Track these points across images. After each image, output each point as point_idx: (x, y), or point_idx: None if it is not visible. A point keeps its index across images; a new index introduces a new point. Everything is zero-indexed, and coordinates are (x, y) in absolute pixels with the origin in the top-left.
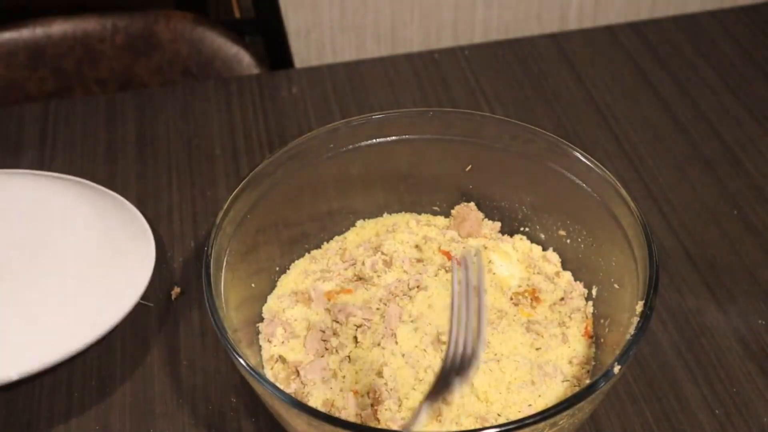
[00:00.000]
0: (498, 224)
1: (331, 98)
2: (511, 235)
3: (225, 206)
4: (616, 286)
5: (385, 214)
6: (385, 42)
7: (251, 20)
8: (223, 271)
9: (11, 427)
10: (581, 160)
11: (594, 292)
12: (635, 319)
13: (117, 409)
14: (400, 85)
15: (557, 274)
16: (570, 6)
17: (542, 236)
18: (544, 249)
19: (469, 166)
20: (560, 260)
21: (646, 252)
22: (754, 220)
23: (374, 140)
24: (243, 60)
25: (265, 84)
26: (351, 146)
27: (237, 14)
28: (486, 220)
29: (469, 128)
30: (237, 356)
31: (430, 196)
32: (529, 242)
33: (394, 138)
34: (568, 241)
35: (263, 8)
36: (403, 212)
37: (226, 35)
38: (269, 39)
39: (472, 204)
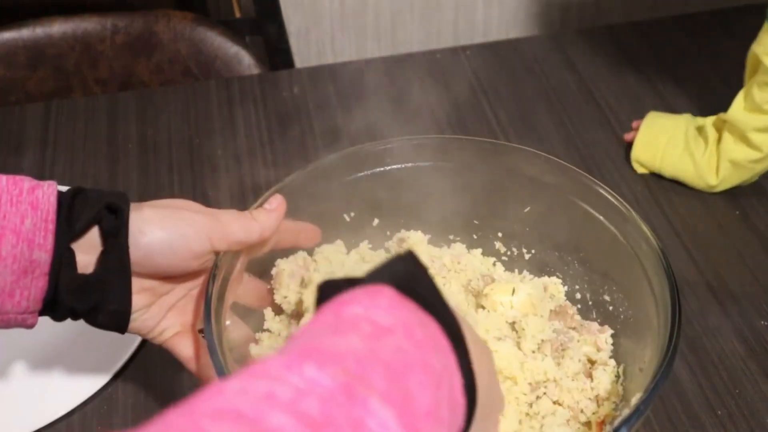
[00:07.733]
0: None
1: (333, 98)
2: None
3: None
4: (638, 370)
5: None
6: (385, 42)
7: (251, 20)
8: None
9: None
10: (646, 237)
11: (620, 370)
12: (626, 411)
13: (119, 409)
14: (401, 85)
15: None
16: (570, 6)
17: (588, 296)
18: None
19: (528, 208)
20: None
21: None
22: (755, 220)
23: (435, 162)
24: (243, 60)
25: (267, 84)
26: (410, 164)
27: (237, 14)
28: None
29: (533, 169)
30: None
31: (486, 229)
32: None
33: (457, 164)
34: (611, 308)
35: (263, 8)
36: (461, 242)
37: (226, 35)
38: (269, 39)
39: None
